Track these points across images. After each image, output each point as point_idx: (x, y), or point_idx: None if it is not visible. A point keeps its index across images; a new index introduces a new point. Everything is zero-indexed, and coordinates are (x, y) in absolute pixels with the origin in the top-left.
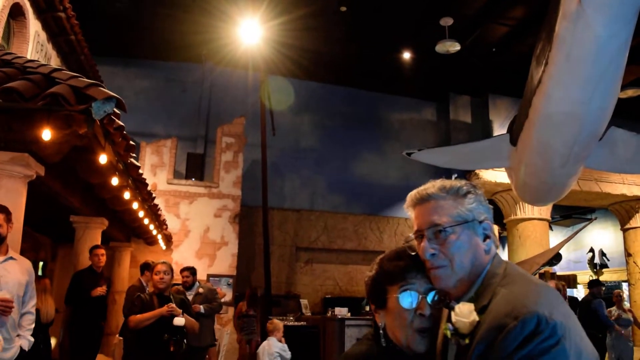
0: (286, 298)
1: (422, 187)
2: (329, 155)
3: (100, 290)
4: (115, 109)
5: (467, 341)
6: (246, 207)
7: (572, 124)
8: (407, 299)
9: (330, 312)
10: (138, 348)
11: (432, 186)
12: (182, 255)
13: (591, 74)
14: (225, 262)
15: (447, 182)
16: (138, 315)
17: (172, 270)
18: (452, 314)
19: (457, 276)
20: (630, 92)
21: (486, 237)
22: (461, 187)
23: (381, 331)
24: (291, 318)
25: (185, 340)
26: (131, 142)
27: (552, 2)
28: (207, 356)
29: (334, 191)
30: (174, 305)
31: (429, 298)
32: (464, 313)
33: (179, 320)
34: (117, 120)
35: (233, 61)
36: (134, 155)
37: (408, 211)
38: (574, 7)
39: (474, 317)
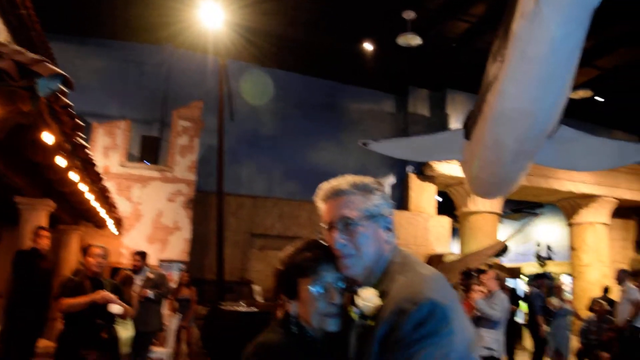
0: (239, 284)
1: (334, 182)
2: (286, 143)
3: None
4: (62, 87)
5: (371, 322)
6: (202, 193)
7: (524, 121)
8: (319, 290)
9: None
10: (72, 332)
11: (344, 182)
12: (134, 240)
13: (545, 73)
14: (177, 247)
15: (357, 179)
16: (70, 299)
17: (107, 254)
18: (357, 298)
19: (364, 264)
20: (581, 93)
21: (388, 229)
22: (369, 184)
23: (292, 319)
24: (243, 304)
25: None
26: (80, 122)
27: (510, 1)
28: (155, 341)
29: (290, 179)
30: (107, 293)
31: (338, 286)
32: (368, 297)
33: (117, 309)
34: (63, 98)
35: (194, 44)
36: (82, 135)
37: (318, 203)
38: (531, 7)
39: (378, 301)
